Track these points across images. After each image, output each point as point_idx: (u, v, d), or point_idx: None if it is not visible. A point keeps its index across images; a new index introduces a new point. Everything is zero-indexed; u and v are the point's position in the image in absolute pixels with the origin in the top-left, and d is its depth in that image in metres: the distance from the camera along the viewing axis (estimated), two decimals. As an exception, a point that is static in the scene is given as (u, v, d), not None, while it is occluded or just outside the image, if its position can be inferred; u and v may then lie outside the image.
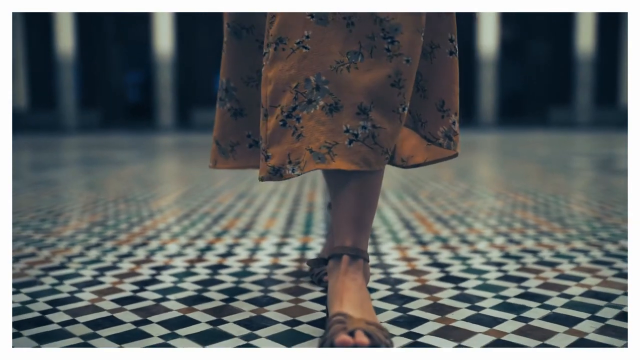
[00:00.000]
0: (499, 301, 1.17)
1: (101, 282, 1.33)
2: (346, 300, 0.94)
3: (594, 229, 1.91)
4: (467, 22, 19.05)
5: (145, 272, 1.42)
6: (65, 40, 18.28)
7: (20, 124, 18.86)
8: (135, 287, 1.29)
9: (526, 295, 1.21)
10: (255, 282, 1.32)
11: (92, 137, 11.97)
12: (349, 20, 0.94)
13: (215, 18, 19.68)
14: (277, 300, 1.19)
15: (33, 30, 19.25)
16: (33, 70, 19.50)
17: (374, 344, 0.82)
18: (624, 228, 1.92)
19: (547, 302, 1.16)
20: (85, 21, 19.61)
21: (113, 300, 1.20)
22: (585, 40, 18.76)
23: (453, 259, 1.53)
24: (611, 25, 19.45)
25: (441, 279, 1.34)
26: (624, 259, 1.51)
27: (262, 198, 2.75)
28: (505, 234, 1.85)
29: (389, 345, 0.86)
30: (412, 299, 1.19)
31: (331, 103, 0.94)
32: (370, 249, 1.64)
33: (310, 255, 1.59)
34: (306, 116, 0.95)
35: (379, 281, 1.32)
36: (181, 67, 19.84)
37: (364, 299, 0.96)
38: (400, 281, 1.32)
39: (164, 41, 18.35)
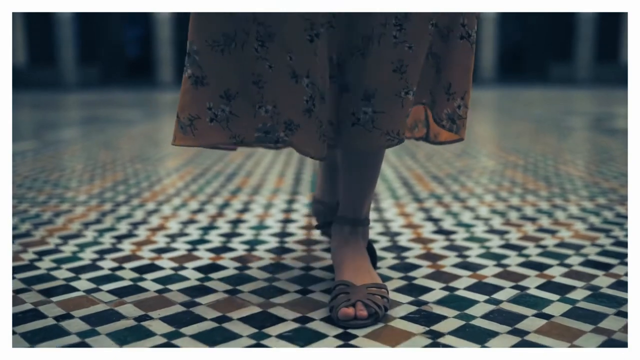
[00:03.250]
0: (483, 251, 1.37)
1: (136, 235, 1.52)
2: (345, 269, 1.08)
3: (575, 187, 2.10)
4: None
5: (174, 226, 1.61)
6: (64, -5, 18.11)
7: (20, 80, 18.88)
8: (168, 240, 1.48)
9: (507, 246, 1.40)
10: (272, 235, 1.51)
11: (94, 94, 12.08)
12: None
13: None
14: (292, 250, 1.38)
15: (30, -16, 19.06)
16: (31, 25, 19.41)
17: (370, 314, 0.98)
18: (604, 187, 2.11)
19: (524, 252, 1.35)
20: (82, -25, 19.40)
21: (151, 250, 1.39)
22: (587, -5, 18.59)
23: (446, 215, 1.72)
24: (614, -20, 19.26)
25: (434, 232, 1.53)
26: (597, 214, 1.70)
27: (269, 158, 2.93)
28: (494, 191, 2.04)
29: (385, 306, 1.02)
30: (408, 248, 1.39)
31: (343, 84, 1.06)
32: (371, 206, 1.83)
33: (318, 211, 1.78)
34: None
35: (380, 234, 1.52)
36: (181, 23, 19.74)
37: (363, 264, 1.10)
38: (398, 234, 1.51)
39: (163, -4, 18.18)
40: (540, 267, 1.25)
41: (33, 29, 19.40)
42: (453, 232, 1.53)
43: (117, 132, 4.39)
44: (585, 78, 19.40)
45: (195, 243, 1.45)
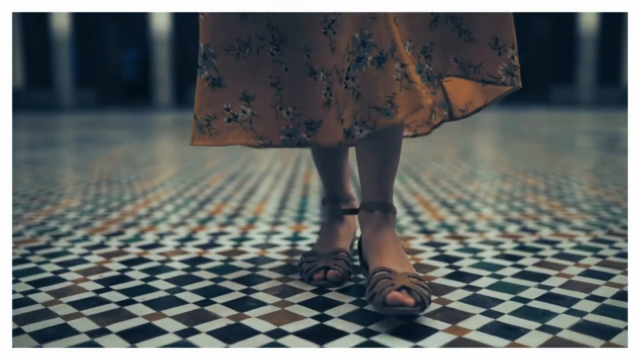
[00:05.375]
0: (519, 305, 1.01)
1: (61, 279, 1.17)
2: (386, 255, 0.99)
3: (615, 216, 1.74)
4: None
5: (114, 266, 1.26)
6: (61, 19, 18.01)
7: (17, 102, 18.65)
8: (99, 286, 1.12)
9: (549, 297, 1.04)
10: (236, 280, 1.16)
11: (89, 116, 11.80)
12: None
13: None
14: (261, 303, 1.02)
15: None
16: (29, 48, 19.22)
17: (417, 302, 0.88)
18: (647, 214, 1.75)
19: (575, 307, 1.00)
20: (80, -2, 19.25)
21: (70, 303, 1.03)
22: (588, 18, 18.48)
23: (462, 252, 1.36)
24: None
25: (449, 276, 1.17)
26: (654, 251, 1.34)
27: (254, 180, 2.58)
28: (517, 221, 1.69)
29: (428, 300, 0.90)
30: (417, 301, 1.03)
31: (377, 55, 0.92)
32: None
33: (302, 246, 1.42)
34: (360, 74, 0.93)
35: (379, 279, 1.16)
36: (178, 45, 19.56)
37: (400, 251, 1.02)
38: (403, 279, 1.16)
39: (160, 18, 18.07)
40: (603, 333, 0.89)
41: (30, 52, 19.22)
42: (474, 277, 1.17)
43: (95, 153, 4.05)
44: (587, 100, 19.16)
45: (132, 292, 1.09)
